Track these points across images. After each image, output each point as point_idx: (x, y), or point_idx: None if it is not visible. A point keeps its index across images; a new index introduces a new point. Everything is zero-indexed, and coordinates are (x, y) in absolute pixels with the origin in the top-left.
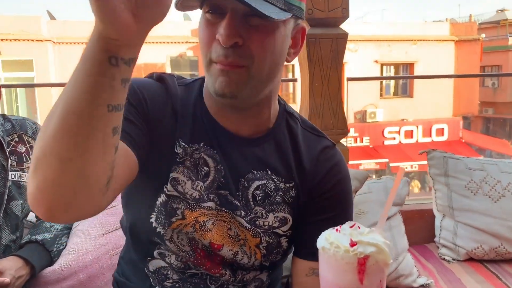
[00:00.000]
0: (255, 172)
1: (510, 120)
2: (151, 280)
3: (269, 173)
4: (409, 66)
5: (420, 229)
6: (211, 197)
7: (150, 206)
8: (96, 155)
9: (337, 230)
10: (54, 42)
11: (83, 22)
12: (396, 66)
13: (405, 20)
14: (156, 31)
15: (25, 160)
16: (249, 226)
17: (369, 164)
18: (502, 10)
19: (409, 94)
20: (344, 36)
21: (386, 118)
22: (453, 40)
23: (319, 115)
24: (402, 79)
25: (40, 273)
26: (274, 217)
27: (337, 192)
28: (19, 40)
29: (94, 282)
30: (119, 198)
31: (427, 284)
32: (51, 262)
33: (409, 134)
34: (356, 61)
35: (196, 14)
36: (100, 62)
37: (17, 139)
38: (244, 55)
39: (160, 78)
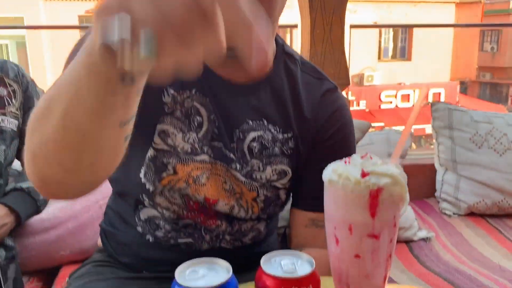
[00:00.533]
0: (251, 122)
1: (506, 85)
2: (141, 228)
3: (266, 123)
4: (409, 29)
5: (420, 183)
6: (205, 150)
7: (138, 161)
8: (106, 163)
9: (345, 162)
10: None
11: None
12: (395, 29)
13: None
14: None
15: (6, 104)
16: (245, 179)
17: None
18: None
19: (407, 57)
20: None
21: (384, 82)
22: (454, 2)
23: (320, 64)
24: (402, 27)
25: (26, 222)
26: (272, 170)
27: (339, 139)
28: None
29: (84, 232)
30: None
31: (427, 237)
32: (37, 211)
33: (406, 98)
34: (355, 22)
35: None
36: (109, 81)
37: None
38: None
39: None
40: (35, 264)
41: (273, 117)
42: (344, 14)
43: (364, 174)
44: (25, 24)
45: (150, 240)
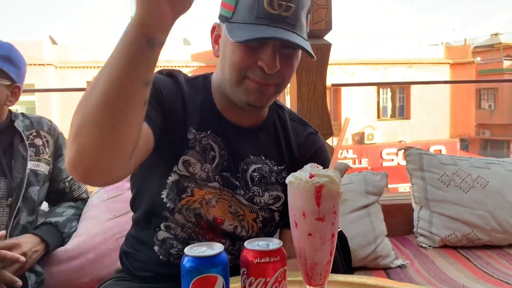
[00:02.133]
0: (252, 157)
1: (507, 141)
2: (157, 247)
3: (263, 158)
4: (406, 88)
5: (400, 222)
6: (216, 178)
7: (161, 184)
8: (130, 124)
9: (301, 170)
10: (56, 67)
11: (83, 47)
12: (393, 89)
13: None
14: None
15: (41, 152)
16: (247, 203)
17: None
18: (496, 34)
19: (406, 116)
20: (327, 46)
21: (384, 140)
22: (448, 63)
23: (306, 117)
24: (390, 85)
25: (53, 252)
26: (269, 195)
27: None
28: None
29: (102, 262)
30: (124, 187)
31: (403, 264)
32: (62, 243)
33: None
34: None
35: (196, 40)
36: (139, 45)
37: (35, 134)
38: (278, 77)
39: (169, 74)
40: None
41: (269, 153)
42: (325, 75)
43: (311, 176)
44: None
45: (163, 258)
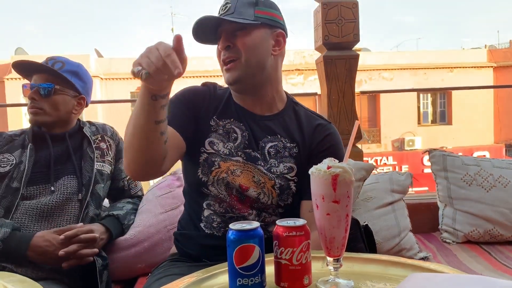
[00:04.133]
0: (269, 137)
1: None
2: (203, 224)
3: (279, 137)
4: (447, 93)
5: (427, 220)
6: (239, 154)
7: (196, 165)
8: (153, 147)
9: (321, 163)
10: (102, 78)
11: (126, 59)
12: (434, 93)
13: (441, 48)
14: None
15: (105, 154)
16: (266, 172)
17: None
18: None
19: (448, 121)
20: (355, 57)
21: (425, 146)
22: (491, 67)
23: (336, 122)
24: (426, 91)
25: (114, 240)
26: (284, 166)
27: (331, 152)
28: None
29: (156, 250)
30: (173, 185)
31: (426, 257)
32: (123, 233)
33: None
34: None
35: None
36: (147, 99)
37: (100, 139)
38: (234, 52)
39: (204, 84)
40: (119, 274)
41: (283, 134)
42: (354, 83)
43: (328, 167)
44: None
45: (208, 232)
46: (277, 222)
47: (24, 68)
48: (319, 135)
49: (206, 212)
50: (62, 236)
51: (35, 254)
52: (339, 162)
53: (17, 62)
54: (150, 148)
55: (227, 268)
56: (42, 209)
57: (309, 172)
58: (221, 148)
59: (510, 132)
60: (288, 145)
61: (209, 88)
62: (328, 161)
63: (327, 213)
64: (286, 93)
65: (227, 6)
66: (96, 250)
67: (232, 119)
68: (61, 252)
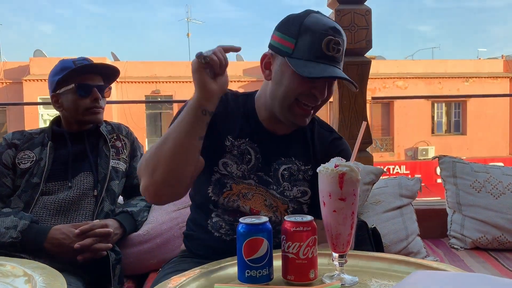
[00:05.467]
0: (283, 159)
1: None
2: (210, 228)
3: (293, 159)
4: (462, 103)
5: (435, 226)
6: (252, 177)
7: (207, 181)
8: (189, 167)
9: (328, 162)
10: (117, 81)
11: (142, 63)
12: (448, 103)
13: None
14: None
15: (120, 153)
16: (279, 196)
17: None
18: None
19: (462, 131)
20: (367, 63)
21: None
22: (508, 77)
23: (347, 127)
24: (435, 101)
25: (128, 236)
26: (297, 190)
27: None
28: None
29: (167, 246)
30: None
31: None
32: (136, 229)
33: None
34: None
35: (247, 56)
36: (196, 114)
37: (115, 137)
38: (322, 100)
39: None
40: (131, 269)
41: (298, 155)
42: (366, 89)
43: (336, 166)
44: None
45: (216, 234)
46: (285, 217)
47: (87, 70)
48: (333, 152)
49: (213, 219)
50: (77, 230)
51: (52, 246)
52: (344, 160)
53: (93, 64)
54: (186, 166)
55: (235, 261)
56: (59, 204)
57: (318, 170)
58: (235, 170)
59: None
60: (303, 168)
61: (228, 98)
62: (335, 160)
63: (334, 210)
64: None
65: (339, 51)
66: (110, 244)
67: (247, 139)
68: (76, 245)
